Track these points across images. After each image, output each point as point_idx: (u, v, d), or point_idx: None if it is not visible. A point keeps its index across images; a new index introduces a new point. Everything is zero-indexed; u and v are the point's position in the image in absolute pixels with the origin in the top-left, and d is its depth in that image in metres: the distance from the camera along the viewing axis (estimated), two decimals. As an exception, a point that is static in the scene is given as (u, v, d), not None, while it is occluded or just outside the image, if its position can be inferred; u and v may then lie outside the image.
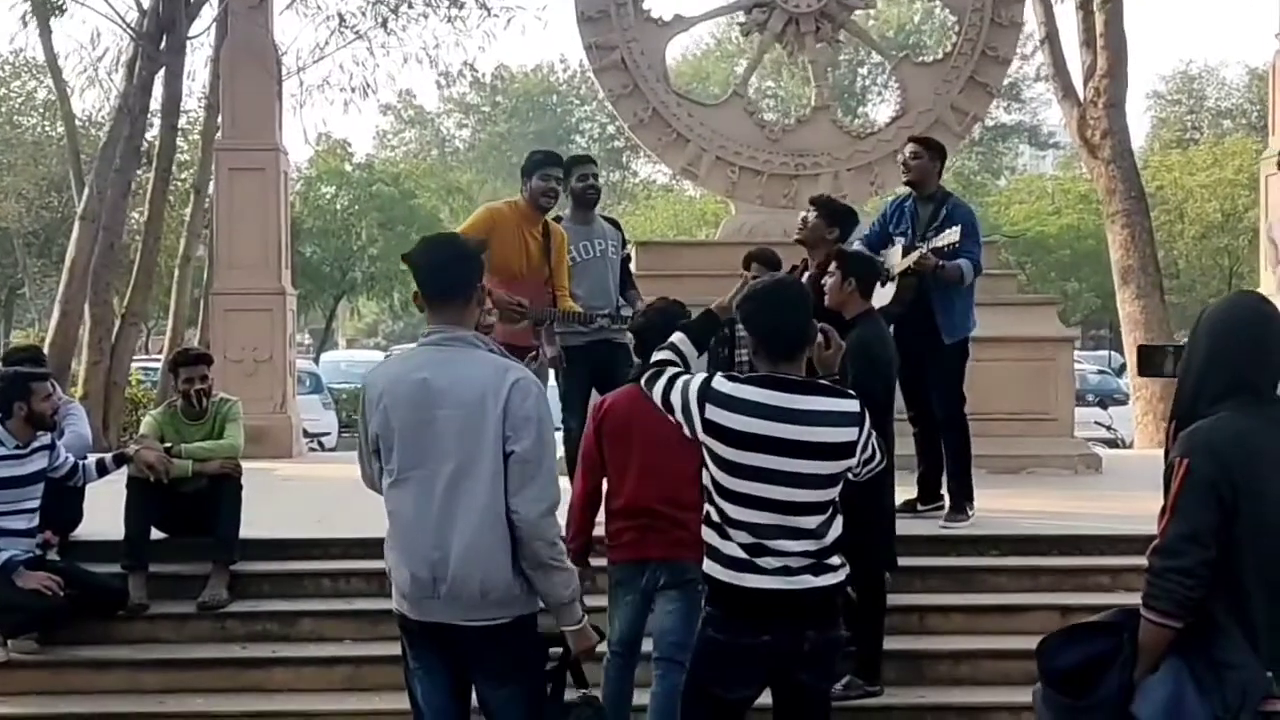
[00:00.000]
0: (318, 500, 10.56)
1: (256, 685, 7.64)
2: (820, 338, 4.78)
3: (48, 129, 35.03)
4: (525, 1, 21.11)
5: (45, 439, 7.79)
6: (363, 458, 4.51)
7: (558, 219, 9.02)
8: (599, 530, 6.26)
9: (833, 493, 4.59)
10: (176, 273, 20.78)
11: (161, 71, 16.94)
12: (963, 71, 13.41)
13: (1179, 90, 53.64)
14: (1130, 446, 17.75)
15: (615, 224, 9.32)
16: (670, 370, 4.73)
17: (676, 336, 4.95)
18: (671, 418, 4.67)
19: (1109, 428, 19.69)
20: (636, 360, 7.33)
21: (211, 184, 16.06)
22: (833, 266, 7.40)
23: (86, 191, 16.41)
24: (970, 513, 8.83)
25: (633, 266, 9.91)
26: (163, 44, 16.67)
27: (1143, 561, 8.47)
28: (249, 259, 13.98)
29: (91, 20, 47.17)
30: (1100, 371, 26.37)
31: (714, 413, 4.49)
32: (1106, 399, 21.87)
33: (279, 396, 13.90)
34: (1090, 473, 11.89)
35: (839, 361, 4.90)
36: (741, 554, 4.51)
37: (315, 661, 7.75)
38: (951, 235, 8.43)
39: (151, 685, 7.61)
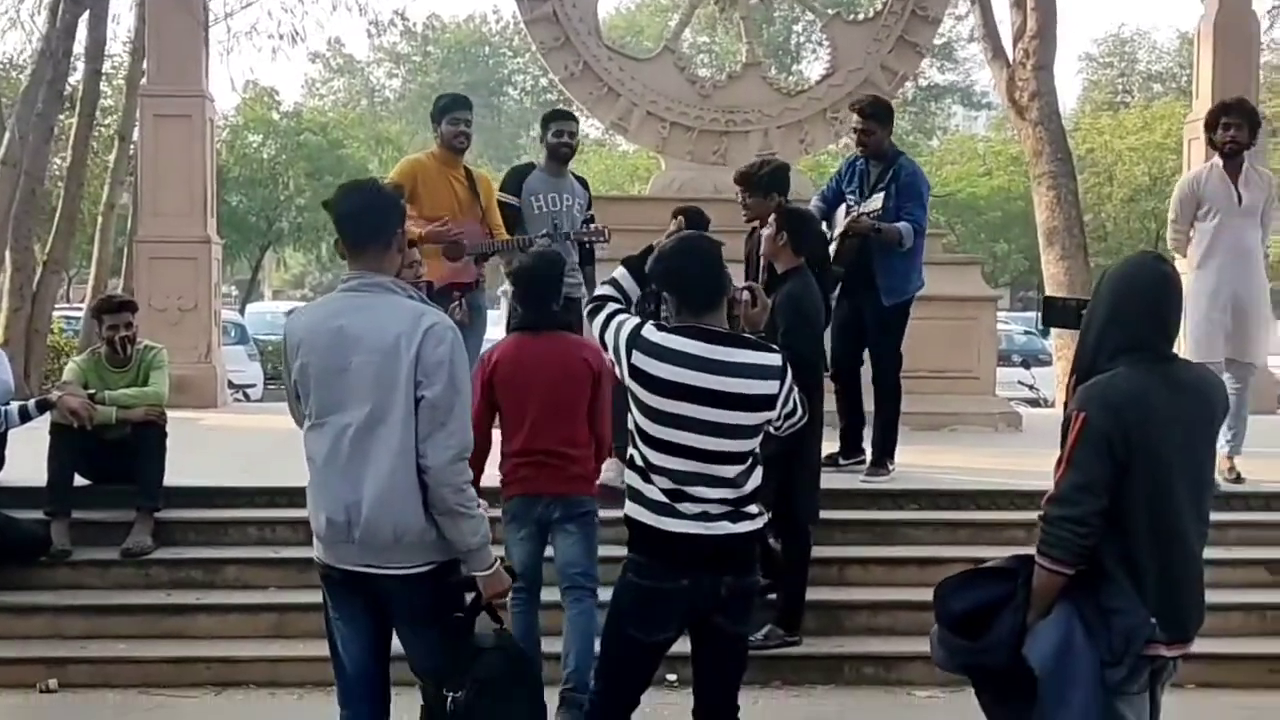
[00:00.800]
0: (243, 450, 10.61)
1: (180, 632, 7.72)
2: (746, 295, 4.91)
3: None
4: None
5: (-32, 385, 7.81)
6: (290, 401, 4.52)
7: (531, 167, 9.14)
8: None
9: (752, 444, 4.71)
10: (100, 220, 20.56)
11: (85, 15, 16.77)
12: (893, 31, 13.55)
13: (1111, 53, 54.16)
14: (1052, 406, 17.99)
15: (584, 182, 9.40)
16: (610, 307, 4.86)
17: (619, 271, 5.04)
18: (605, 355, 4.81)
19: (1032, 387, 19.95)
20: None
21: (136, 130, 15.94)
22: (771, 219, 7.57)
23: (7, 136, 16.15)
24: (891, 468, 9.01)
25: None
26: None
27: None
28: (174, 207, 13.87)
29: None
30: (1026, 332, 26.62)
31: (640, 359, 4.60)
32: (1031, 359, 22.12)
33: (204, 346, 13.83)
34: (1010, 430, 12.13)
35: (765, 319, 5.03)
36: (663, 498, 4.64)
37: (240, 609, 7.83)
38: (873, 202, 8.61)
39: (74, 631, 7.68)
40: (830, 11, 14.00)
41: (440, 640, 4.33)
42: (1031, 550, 4.30)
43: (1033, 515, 8.34)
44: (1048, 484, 8.66)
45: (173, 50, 14.02)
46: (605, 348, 4.80)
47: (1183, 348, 8.19)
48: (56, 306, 19.14)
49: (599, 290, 5.05)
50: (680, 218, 9.20)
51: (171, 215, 13.86)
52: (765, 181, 8.22)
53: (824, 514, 7.68)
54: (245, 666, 7.43)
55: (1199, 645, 4.42)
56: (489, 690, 4.27)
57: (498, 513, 6.34)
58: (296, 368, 4.35)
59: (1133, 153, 39.44)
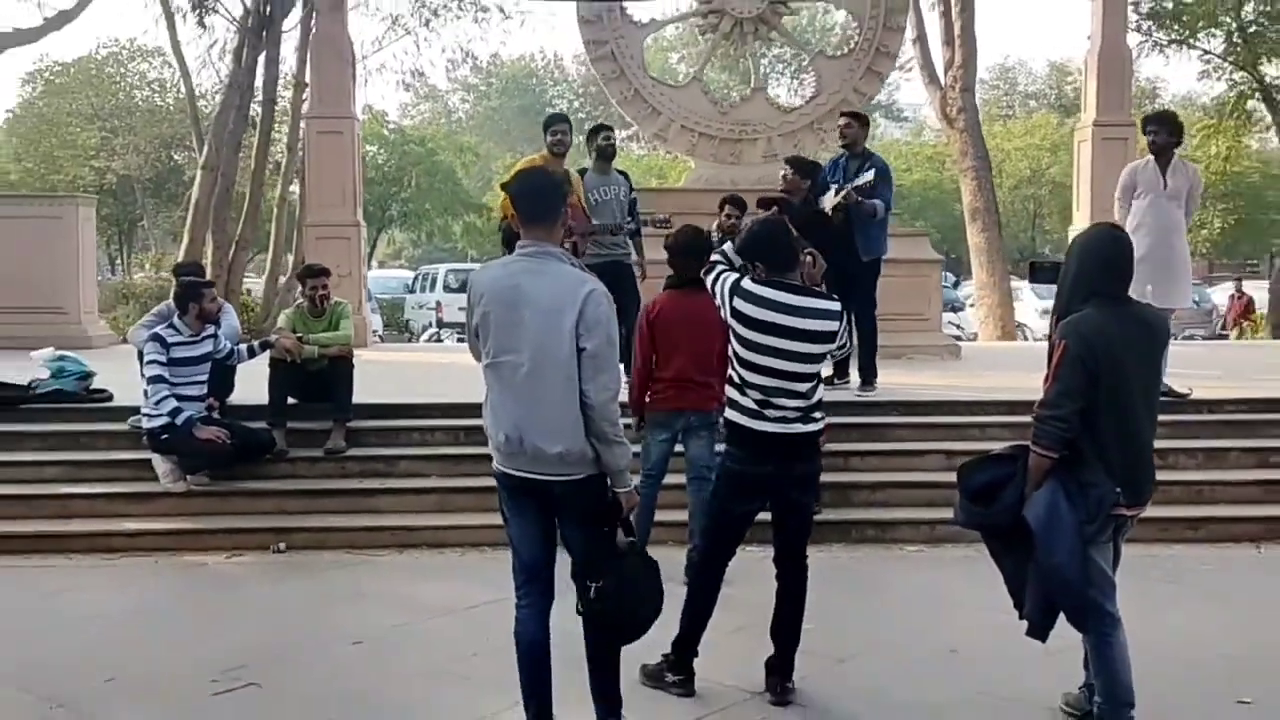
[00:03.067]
0: (394, 376, 10.69)
1: (370, 508, 7.83)
2: (809, 258, 4.97)
3: (157, 100, 34.52)
4: (534, 6, 20.97)
5: (209, 330, 7.88)
6: (470, 338, 4.33)
7: (582, 171, 9.16)
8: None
9: (818, 367, 4.79)
10: (275, 210, 20.62)
11: (262, 56, 16.77)
12: (862, 63, 13.50)
13: (998, 78, 53.95)
14: (974, 340, 18.09)
15: (625, 175, 9.39)
16: (720, 268, 4.93)
17: (726, 246, 5.08)
18: (715, 301, 4.88)
19: (958, 326, 20.03)
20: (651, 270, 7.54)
21: (301, 143, 15.93)
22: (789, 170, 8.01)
23: (206, 148, 16.21)
24: (875, 385, 9.11)
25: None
26: (263, 36, 16.50)
27: (1001, 418, 8.82)
28: (331, 200, 13.87)
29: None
30: (942, 286, 26.75)
31: (739, 304, 4.69)
32: (955, 306, 22.21)
33: (356, 302, 13.88)
34: (952, 359, 12.19)
35: (820, 276, 5.10)
36: (755, 406, 4.73)
37: (412, 491, 7.93)
38: (867, 176, 8.66)
39: (294, 508, 7.79)
40: (815, 50, 13.88)
41: (590, 537, 4.21)
42: (991, 445, 4.40)
43: (984, 418, 8.67)
44: (989, 396, 8.89)
45: (329, 84, 14.00)
46: (714, 295, 4.87)
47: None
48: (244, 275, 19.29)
49: (713, 258, 5.08)
50: (729, 205, 9.29)
51: (330, 206, 13.87)
52: (809, 168, 8.58)
53: (830, 419, 7.74)
54: (418, 533, 7.53)
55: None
56: (625, 583, 4.20)
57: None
58: (479, 315, 4.19)
59: (1018, 152, 39.61)
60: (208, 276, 10.48)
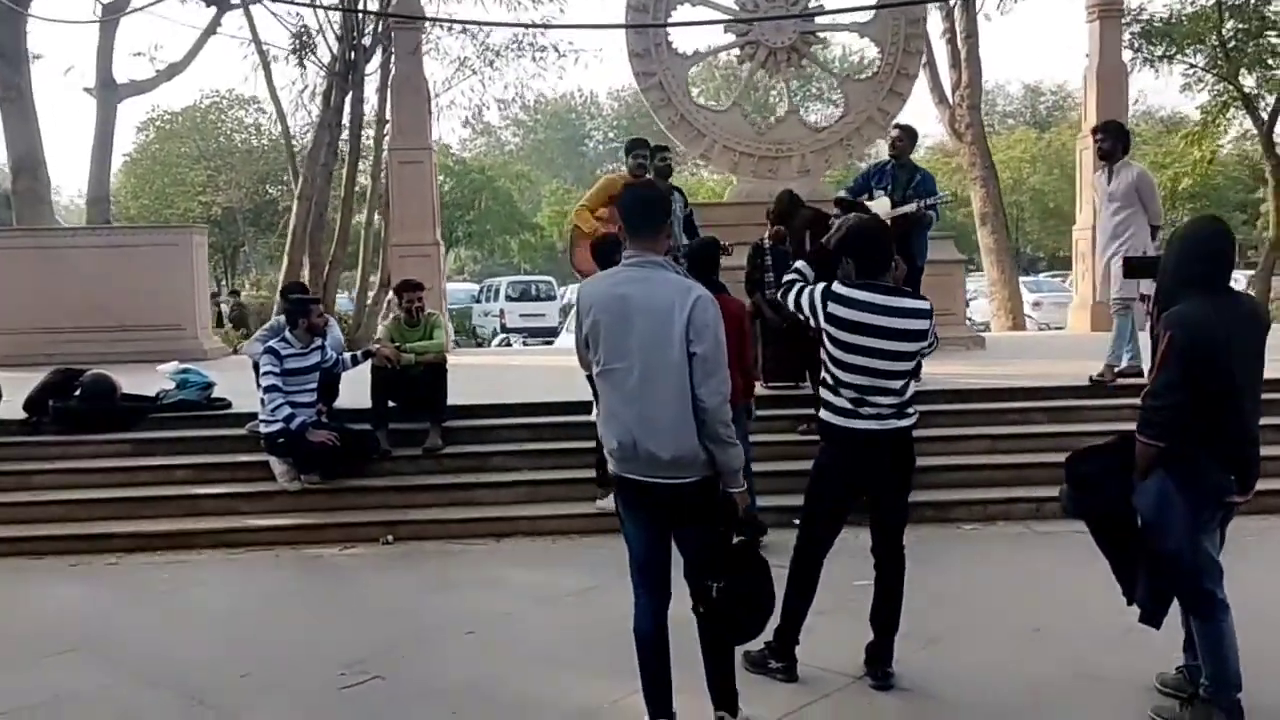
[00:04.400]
0: (484, 379, 10.25)
1: (468, 500, 7.40)
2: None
3: (253, 141, 34.41)
4: (585, 45, 20.63)
5: (317, 342, 7.48)
6: (579, 348, 3.90)
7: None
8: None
9: (911, 365, 4.31)
10: (362, 234, 20.25)
11: (348, 97, 16.40)
12: (885, 84, 12.96)
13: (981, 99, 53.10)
14: (986, 330, 17.49)
15: (680, 191, 8.93)
16: (798, 284, 4.43)
17: (800, 264, 4.56)
18: (800, 315, 4.39)
19: (969, 318, 19.41)
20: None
21: (384, 173, 15.56)
22: (837, 210, 7.19)
23: (301, 181, 15.85)
24: (921, 377, 8.60)
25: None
26: (349, 79, 16.12)
27: (1037, 403, 8.28)
28: (414, 221, 13.52)
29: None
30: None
31: (834, 308, 4.21)
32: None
33: (438, 313, 13.52)
34: (978, 348, 11.65)
35: (903, 278, 4.62)
36: (849, 405, 4.26)
37: (505, 484, 7.49)
38: (943, 196, 8.33)
39: (398, 503, 7.38)
40: (843, 74, 13.38)
41: (705, 538, 3.77)
42: (1029, 429, 3.89)
43: (1020, 404, 8.15)
44: (1022, 381, 8.36)
45: (409, 119, 13.69)
46: (800, 309, 4.37)
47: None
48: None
49: (788, 276, 4.57)
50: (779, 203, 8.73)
51: (412, 228, 13.53)
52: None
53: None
54: (513, 522, 7.11)
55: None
56: (744, 583, 3.76)
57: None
58: (589, 324, 3.75)
59: (1000, 164, 38.61)
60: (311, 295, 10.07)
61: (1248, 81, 17.56)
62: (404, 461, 7.69)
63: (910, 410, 4.34)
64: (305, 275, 16.23)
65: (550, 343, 19.47)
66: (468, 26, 18.70)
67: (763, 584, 3.82)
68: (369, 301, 18.03)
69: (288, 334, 7.35)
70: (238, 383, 8.64)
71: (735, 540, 3.81)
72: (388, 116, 15.08)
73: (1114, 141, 8.32)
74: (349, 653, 4.95)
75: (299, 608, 5.83)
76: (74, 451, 7.83)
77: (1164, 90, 72.10)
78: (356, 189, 18.84)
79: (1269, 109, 17.23)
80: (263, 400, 7.23)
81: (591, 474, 7.26)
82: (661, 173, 8.61)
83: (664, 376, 3.61)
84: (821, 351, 4.35)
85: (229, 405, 8.36)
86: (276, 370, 7.16)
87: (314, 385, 7.43)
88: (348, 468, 7.43)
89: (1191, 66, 17.64)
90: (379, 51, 16.59)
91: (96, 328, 12.43)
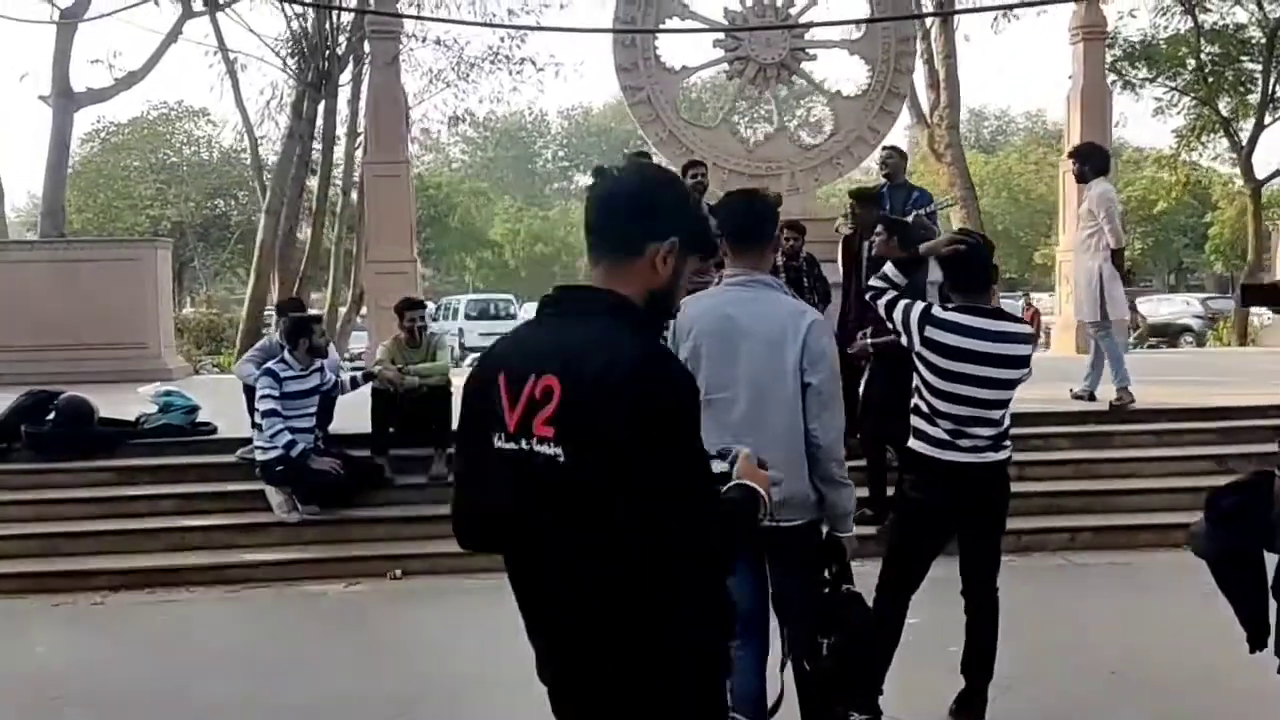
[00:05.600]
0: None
1: (478, 532, 7.02)
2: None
3: (203, 154, 33.66)
4: (565, 59, 20.35)
5: (318, 364, 7.07)
6: None
7: None
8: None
9: (1012, 393, 4.03)
10: (333, 250, 19.66)
11: (320, 107, 15.91)
12: (875, 103, 12.79)
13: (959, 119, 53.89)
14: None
15: (712, 209, 8.68)
16: (890, 293, 4.12)
17: (889, 269, 4.23)
18: (889, 325, 4.10)
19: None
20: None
21: (355, 188, 15.12)
22: (879, 229, 6.90)
23: (269, 194, 15.34)
24: None
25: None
26: (322, 89, 15.65)
27: (1062, 428, 8.07)
28: (390, 237, 13.09)
29: (270, 74, 44.65)
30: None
31: (933, 332, 3.91)
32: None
33: (440, 333, 13.13)
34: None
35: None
36: (946, 436, 3.96)
37: (516, 514, 7.12)
38: (941, 204, 8.12)
39: (406, 534, 6.96)
40: (832, 91, 13.24)
41: (810, 587, 3.43)
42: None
43: (1043, 429, 7.94)
44: (1029, 406, 8.17)
45: (386, 131, 13.25)
46: (892, 321, 4.08)
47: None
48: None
49: (874, 282, 4.30)
50: (788, 230, 8.57)
51: (388, 243, 13.09)
52: (877, 197, 7.57)
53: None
54: (528, 556, 6.74)
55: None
56: (858, 636, 3.43)
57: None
58: (688, 348, 3.39)
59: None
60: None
61: (1224, 105, 17.77)
62: (408, 490, 7.29)
63: (1006, 442, 4.07)
64: (275, 293, 15.68)
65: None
66: (441, 38, 18.27)
67: (874, 639, 3.51)
68: (339, 321, 17.50)
69: (286, 355, 6.93)
70: (220, 405, 8.19)
71: (844, 589, 3.48)
72: (360, 129, 14.62)
73: (1082, 164, 8.34)
74: (395, 702, 4.56)
75: (317, 653, 5.39)
76: (51, 480, 7.32)
77: (1132, 119, 73.32)
78: (328, 203, 18.31)
79: (1245, 132, 17.45)
80: (259, 425, 6.80)
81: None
82: (695, 190, 8.36)
83: (774, 409, 3.28)
84: (915, 377, 4.06)
85: (215, 430, 7.89)
86: (275, 393, 6.74)
87: (314, 409, 7.01)
88: (349, 498, 7.01)
89: (1171, 89, 17.79)
90: (351, 63, 16.13)
91: (54, 346, 11.85)
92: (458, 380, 7.83)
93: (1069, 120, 14.26)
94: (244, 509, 7.06)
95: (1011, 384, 3.99)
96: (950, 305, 3.99)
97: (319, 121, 16.23)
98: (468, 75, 18.95)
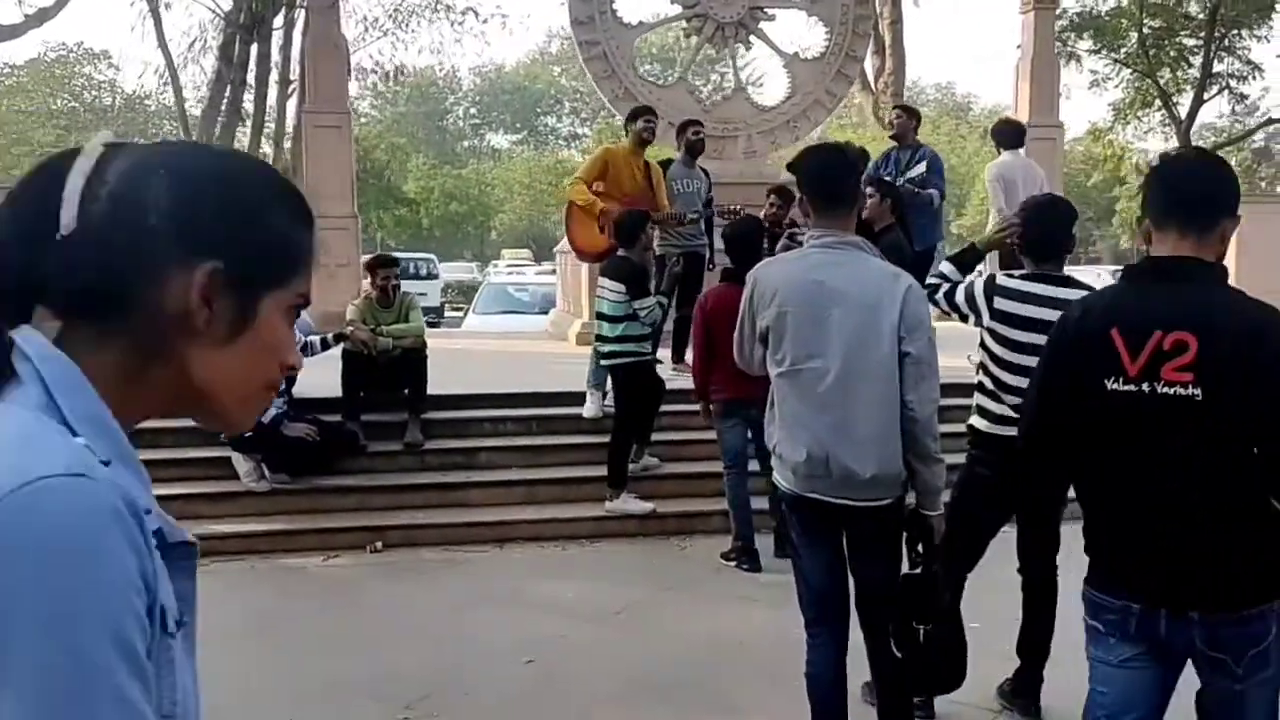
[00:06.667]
0: (441, 368, 9.48)
1: (460, 502, 6.73)
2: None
3: (105, 99, 32.13)
4: (508, 10, 19.72)
5: (287, 323, 6.65)
6: (744, 342, 3.33)
7: (670, 161, 8.19)
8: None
9: None
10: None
11: (253, 51, 15.12)
12: (833, 66, 12.64)
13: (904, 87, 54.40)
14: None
15: (706, 172, 8.41)
16: (945, 285, 3.94)
17: (946, 267, 4.04)
18: (954, 315, 3.92)
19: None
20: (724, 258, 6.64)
21: (288, 139, 14.42)
22: (871, 190, 6.77)
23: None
24: None
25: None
26: (254, 33, 14.86)
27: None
28: (331, 191, 12.48)
29: (197, 13, 42.24)
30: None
31: (1003, 303, 3.73)
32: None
33: (357, 290, 12.60)
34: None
35: None
36: (1010, 413, 3.81)
37: (499, 484, 6.84)
38: (919, 169, 7.90)
39: (380, 505, 6.64)
40: (790, 52, 13.03)
41: (895, 568, 3.27)
42: None
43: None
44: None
45: (326, 80, 12.63)
46: (955, 308, 3.89)
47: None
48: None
49: (930, 280, 4.03)
50: (774, 196, 8.43)
51: (330, 198, 12.46)
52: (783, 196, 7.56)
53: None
54: (514, 527, 6.49)
55: None
56: (954, 625, 3.32)
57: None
58: (771, 315, 3.18)
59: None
60: None
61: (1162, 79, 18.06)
62: (381, 458, 6.95)
63: (1074, 416, 3.93)
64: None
65: (436, 324, 18.50)
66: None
67: (962, 626, 3.36)
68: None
69: (255, 313, 6.50)
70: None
71: (935, 570, 3.32)
72: (292, 77, 13.94)
73: (996, 142, 8.43)
74: (400, 688, 4.28)
75: (311, 632, 5.06)
76: (-10, 445, 6.78)
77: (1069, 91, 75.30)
78: (259, 155, 17.48)
79: (1182, 108, 17.78)
80: (226, 388, 6.37)
81: (593, 473, 6.73)
82: (692, 149, 8.13)
83: (869, 380, 3.09)
84: (980, 354, 3.89)
85: (168, 392, 7.40)
86: (245, 355, 6.31)
87: (283, 372, 6.60)
88: (324, 466, 6.65)
89: (1115, 62, 18.00)
90: (284, 7, 15.35)
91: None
92: (433, 343, 7.57)
93: (1017, 91, 14.29)
94: (206, 477, 6.65)
95: None
96: (1017, 273, 3.83)
97: (251, 67, 15.45)
98: (406, 24, 18.20)
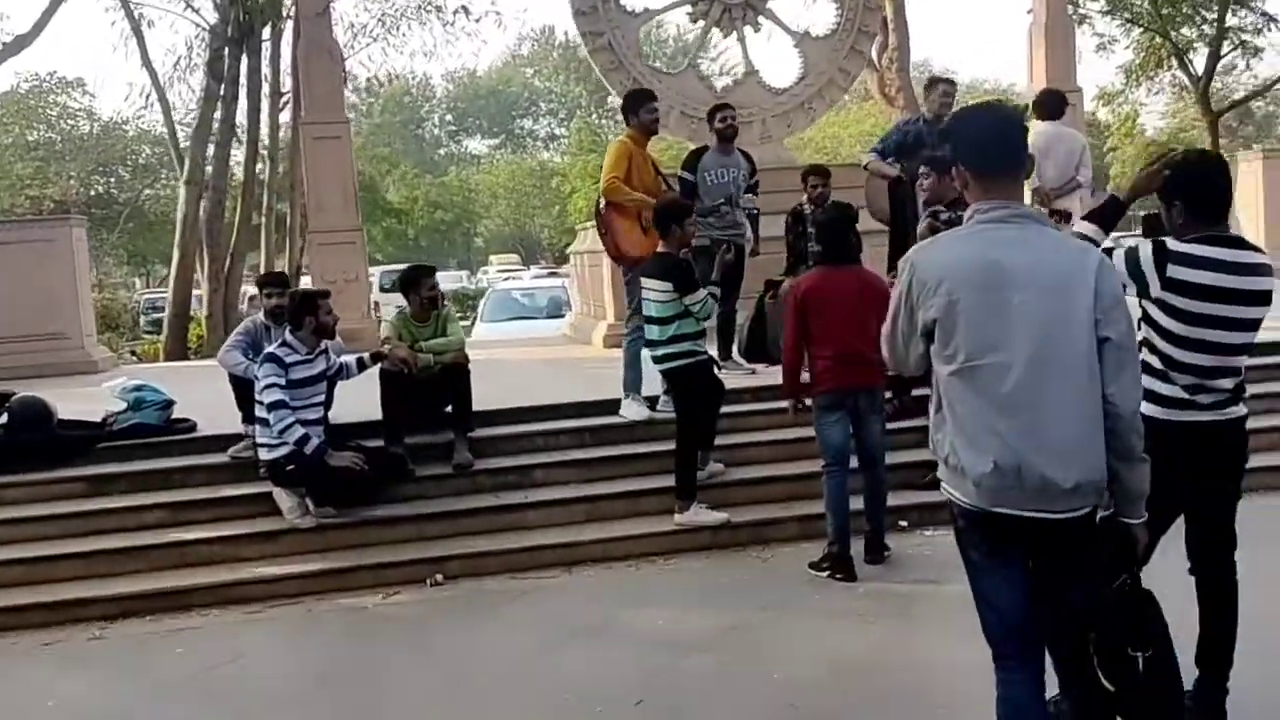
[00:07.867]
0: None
1: (518, 524, 6.30)
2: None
3: (82, 127, 31.61)
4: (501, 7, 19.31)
5: (322, 345, 6.23)
6: (898, 338, 2.83)
7: (705, 149, 7.76)
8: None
9: (1254, 335, 3.49)
10: (263, 220, 18.25)
11: (243, 65, 14.61)
12: (846, 43, 12.28)
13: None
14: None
15: (748, 156, 7.97)
16: (1104, 245, 3.48)
17: (1087, 227, 3.53)
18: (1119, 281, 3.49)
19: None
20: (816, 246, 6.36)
21: (280, 153, 13.93)
22: (924, 169, 6.45)
23: (187, 163, 14.05)
24: None
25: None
26: (244, 46, 14.37)
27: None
28: (333, 203, 12.04)
29: (181, 30, 41.05)
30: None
31: (1176, 270, 3.31)
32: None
33: (365, 307, 12.22)
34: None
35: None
36: (1183, 394, 3.41)
37: (556, 503, 6.41)
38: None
39: (435, 534, 6.21)
40: (800, 32, 12.64)
41: (1097, 587, 2.86)
42: None
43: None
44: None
45: (322, 89, 12.17)
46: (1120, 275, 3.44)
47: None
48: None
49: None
50: (813, 176, 8.06)
51: (332, 211, 12.06)
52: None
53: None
54: (581, 548, 6.07)
55: None
56: (1165, 644, 2.94)
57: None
58: (939, 304, 2.69)
59: (853, 139, 39.23)
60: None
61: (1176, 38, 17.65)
62: (429, 482, 6.53)
63: (1245, 394, 3.52)
64: (202, 269, 14.46)
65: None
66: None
67: (1173, 651, 2.96)
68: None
69: (289, 337, 6.07)
70: (190, 399, 7.27)
71: (1143, 588, 2.91)
72: (283, 89, 13.46)
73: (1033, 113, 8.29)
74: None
75: (385, 685, 4.63)
76: (10, 495, 6.34)
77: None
78: (258, 173, 17.00)
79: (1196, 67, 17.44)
80: (263, 420, 5.94)
81: (656, 484, 6.33)
82: (725, 136, 7.71)
83: (1064, 373, 2.64)
84: (1143, 330, 3.46)
85: (195, 427, 6.96)
86: (282, 382, 5.89)
87: (322, 398, 6.20)
88: (371, 496, 6.22)
89: (1127, 21, 17.60)
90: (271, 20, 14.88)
91: (-41, 339, 10.64)
92: (475, 355, 7.11)
93: (1032, 54, 13.91)
94: (246, 516, 6.22)
95: (1256, 324, 3.44)
96: (1187, 236, 3.41)
97: (242, 82, 14.93)
98: (395, 28, 17.72)
